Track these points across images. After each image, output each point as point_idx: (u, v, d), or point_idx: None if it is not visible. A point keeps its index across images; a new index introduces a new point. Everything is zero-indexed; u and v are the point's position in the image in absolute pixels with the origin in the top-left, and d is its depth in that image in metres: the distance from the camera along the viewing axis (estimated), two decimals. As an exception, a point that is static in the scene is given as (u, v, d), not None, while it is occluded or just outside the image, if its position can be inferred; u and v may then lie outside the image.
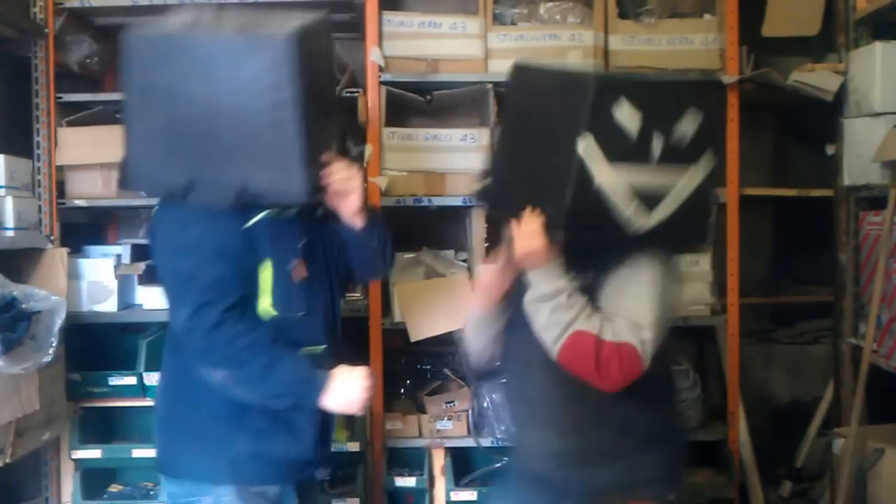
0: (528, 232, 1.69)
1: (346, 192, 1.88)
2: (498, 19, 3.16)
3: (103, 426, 3.19)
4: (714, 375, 3.39)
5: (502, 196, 1.85)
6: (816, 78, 3.06)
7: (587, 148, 1.61)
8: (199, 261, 1.75)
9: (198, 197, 1.75)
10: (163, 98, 1.75)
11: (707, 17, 3.16)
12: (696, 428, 3.15)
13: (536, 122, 1.79)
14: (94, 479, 3.12)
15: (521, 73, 1.90)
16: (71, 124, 3.09)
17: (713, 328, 3.26)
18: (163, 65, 1.74)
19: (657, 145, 1.65)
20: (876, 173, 2.89)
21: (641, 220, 1.65)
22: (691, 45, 3.10)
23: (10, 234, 2.73)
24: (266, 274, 1.80)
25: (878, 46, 2.89)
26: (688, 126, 1.68)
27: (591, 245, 1.71)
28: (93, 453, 3.03)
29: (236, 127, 1.74)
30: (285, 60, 1.70)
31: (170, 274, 1.83)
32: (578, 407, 1.75)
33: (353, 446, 2.99)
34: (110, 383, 3.04)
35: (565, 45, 3.06)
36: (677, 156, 1.68)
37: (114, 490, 3.20)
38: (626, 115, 1.63)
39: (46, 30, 2.96)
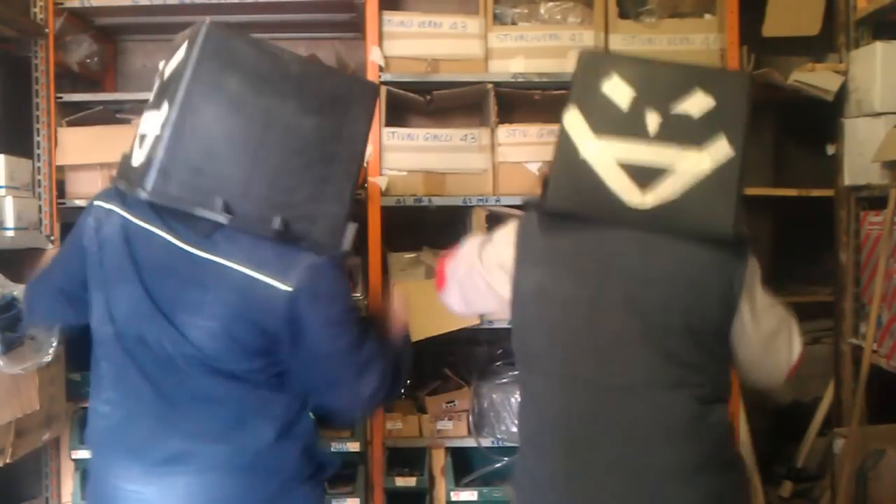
0: None
1: None
2: (498, 19, 3.16)
3: (103, 426, 3.18)
4: (714, 375, 3.39)
5: None
6: (817, 78, 3.06)
7: (570, 119, 1.59)
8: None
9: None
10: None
11: (707, 17, 3.16)
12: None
13: None
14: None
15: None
16: (71, 124, 3.08)
17: (713, 328, 3.25)
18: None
19: (652, 121, 1.57)
20: (876, 173, 2.89)
21: (637, 199, 1.54)
22: (691, 45, 3.09)
23: (10, 234, 2.73)
24: None
25: (879, 46, 2.90)
26: (693, 106, 1.57)
27: None
28: (93, 453, 3.03)
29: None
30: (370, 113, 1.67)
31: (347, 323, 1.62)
32: None
33: (353, 446, 3.00)
34: (110, 383, 3.03)
35: (565, 45, 3.06)
36: (678, 135, 1.56)
37: (114, 490, 3.20)
38: (616, 88, 1.59)
39: (46, 30, 2.95)
